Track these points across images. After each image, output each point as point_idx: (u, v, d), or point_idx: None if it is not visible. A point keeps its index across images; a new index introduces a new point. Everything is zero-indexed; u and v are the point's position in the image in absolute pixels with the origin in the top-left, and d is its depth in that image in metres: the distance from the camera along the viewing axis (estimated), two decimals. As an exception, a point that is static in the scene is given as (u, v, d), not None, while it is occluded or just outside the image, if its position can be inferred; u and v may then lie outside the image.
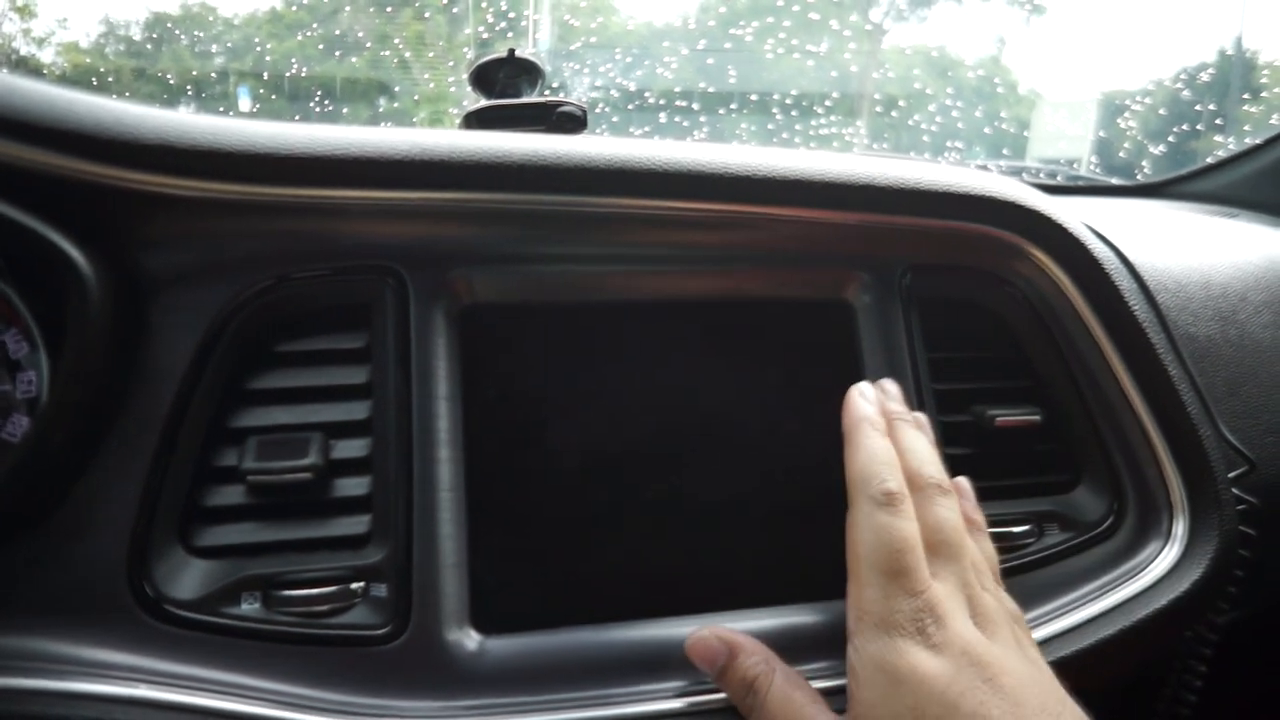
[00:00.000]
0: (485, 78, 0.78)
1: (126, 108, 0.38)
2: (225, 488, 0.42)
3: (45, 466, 0.38)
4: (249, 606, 0.40)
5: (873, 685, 0.35)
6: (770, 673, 0.39)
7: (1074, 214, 0.53)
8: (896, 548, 0.36)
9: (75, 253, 0.37)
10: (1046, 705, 0.35)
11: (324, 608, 0.41)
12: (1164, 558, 0.51)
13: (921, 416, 0.46)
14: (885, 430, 0.42)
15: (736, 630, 0.41)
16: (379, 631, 0.41)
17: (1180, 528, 0.51)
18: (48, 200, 0.36)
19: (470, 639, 0.42)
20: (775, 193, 0.47)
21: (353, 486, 0.42)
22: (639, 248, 0.47)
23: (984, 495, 0.50)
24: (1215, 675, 0.57)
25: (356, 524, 0.42)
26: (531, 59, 0.77)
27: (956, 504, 0.40)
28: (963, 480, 0.46)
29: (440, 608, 0.41)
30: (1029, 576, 0.50)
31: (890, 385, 0.46)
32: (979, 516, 0.45)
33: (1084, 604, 0.49)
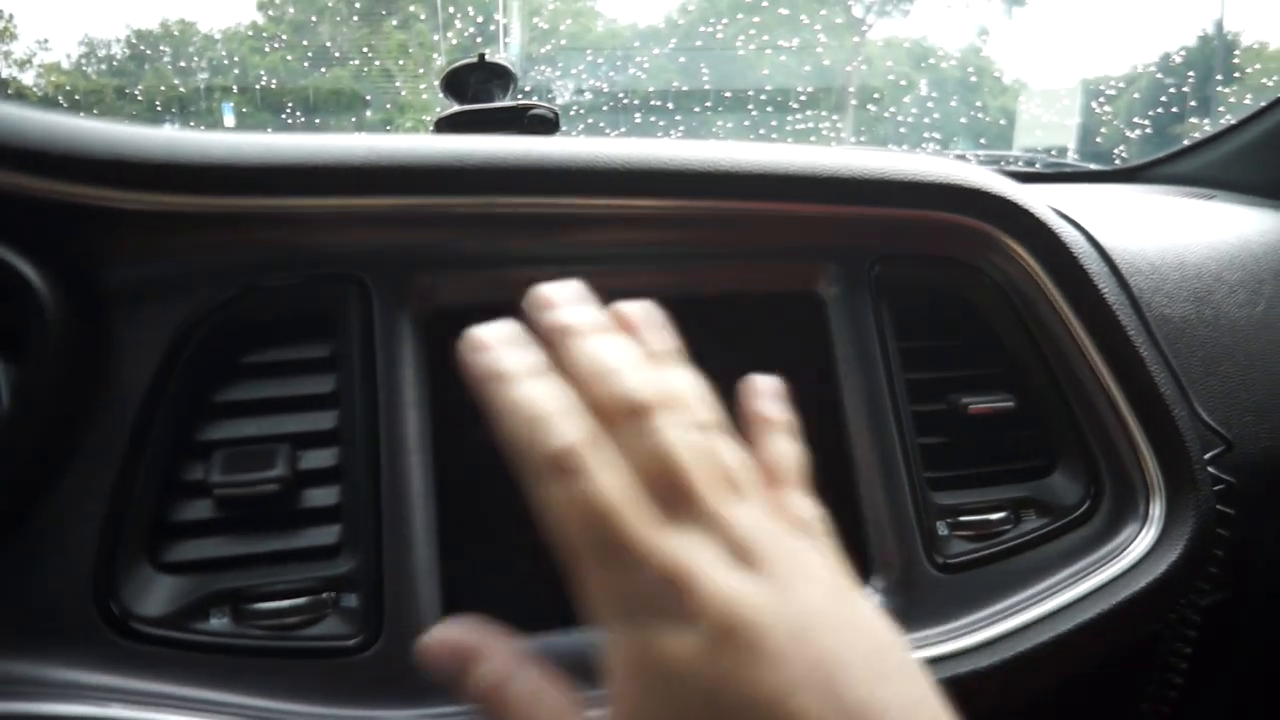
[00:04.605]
0: (457, 83, 0.77)
1: (78, 122, 0.38)
2: (192, 502, 0.41)
3: (7, 481, 0.37)
4: (218, 621, 0.40)
5: (625, 680, 0.29)
6: (509, 679, 0.32)
7: (1042, 199, 0.53)
8: (593, 518, 0.28)
9: (30, 270, 0.36)
10: (828, 651, 0.28)
11: (295, 620, 0.40)
12: (1141, 540, 0.51)
13: (631, 309, 0.36)
14: (529, 372, 0.31)
15: (478, 630, 0.34)
16: (351, 642, 0.40)
17: (1157, 509, 0.51)
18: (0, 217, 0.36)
19: (445, 646, 0.41)
20: (740, 187, 0.46)
21: (322, 497, 0.42)
22: (606, 247, 0.47)
23: (960, 483, 0.50)
24: (1202, 657, 0.57)
25: (326, 534, 0.42)
26: (503, 63, 0.77)
27: (670, 419, 0.30)
28: (758, 377, 0.39)
29: (413, 616, 0.41)
30: (1006, 563, 0.49)
31: (550, 290, 0.35)
32: (778, 412, 0.37)
33: (1062, 589, 0.49)
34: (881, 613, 0.31)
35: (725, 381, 0.47)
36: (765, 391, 0.38)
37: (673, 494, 0.29)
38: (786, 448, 0.36)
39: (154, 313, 0.41)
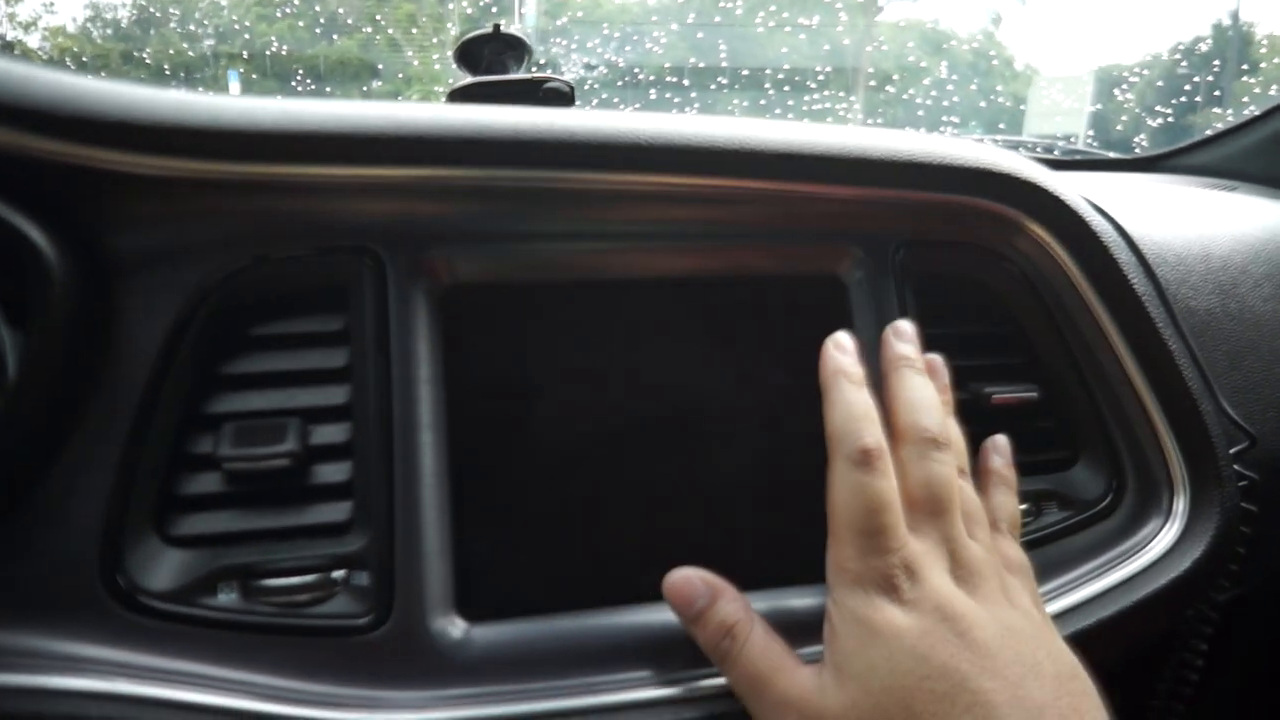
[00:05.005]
0: (471, 54, 0.76)
1: (87, 83, 0.36)
2: (201, 475, 0.40)
3: (13, 452, 0.36)
4: (226, 597, 0.39)
5: (850, 636, 0.36)
6: (750, 621, 0.39)
7: (1072, 187, 0.52)
8: (871, 507, 0.36)
9: (36, 234, 0.35)
10: (1022, 656, 0.35)
11: (304, 597, 0.40)
12: (1164, 535, 0.50)
13: (936, 359, 0.45)
14: (863, 381, 0.40)
15: (718, 578, 0.41)
16: (361, 621, 0.40)
17: (1181, 505, 0.51)
18: (4, 179, 0.35)
19: (455, 627, 0.41)
20: (766, 166, 0.45)
21: (332, 473, 0.41)
22: (625, 224, 0.46)
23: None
24: (1216, 653, 0.56)
25: (337, 511, 0.41)
26: (518, 35, 0.76)
27: (950, 457, 0.39)
28: (1000, 437, 0.47)
29: (424, 595, 0.40)
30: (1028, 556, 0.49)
31: (905, 326, 0.45)
32: (1009, 473, 0.46)
33: (1083, 583, 0.48)
34: (1070, 645, 0.38)
35: (745, 364, 0.47)
36: (1000, 451, 0.46)
37: (928, 512, 0.38)
38: (1007, 501, 0.44)
39: (163, 281, 0.40)
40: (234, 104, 0.39)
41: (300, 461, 0.40)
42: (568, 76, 0.71)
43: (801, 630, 0.41)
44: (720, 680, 0.41)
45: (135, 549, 0.39)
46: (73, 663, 0.37)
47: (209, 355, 0.41)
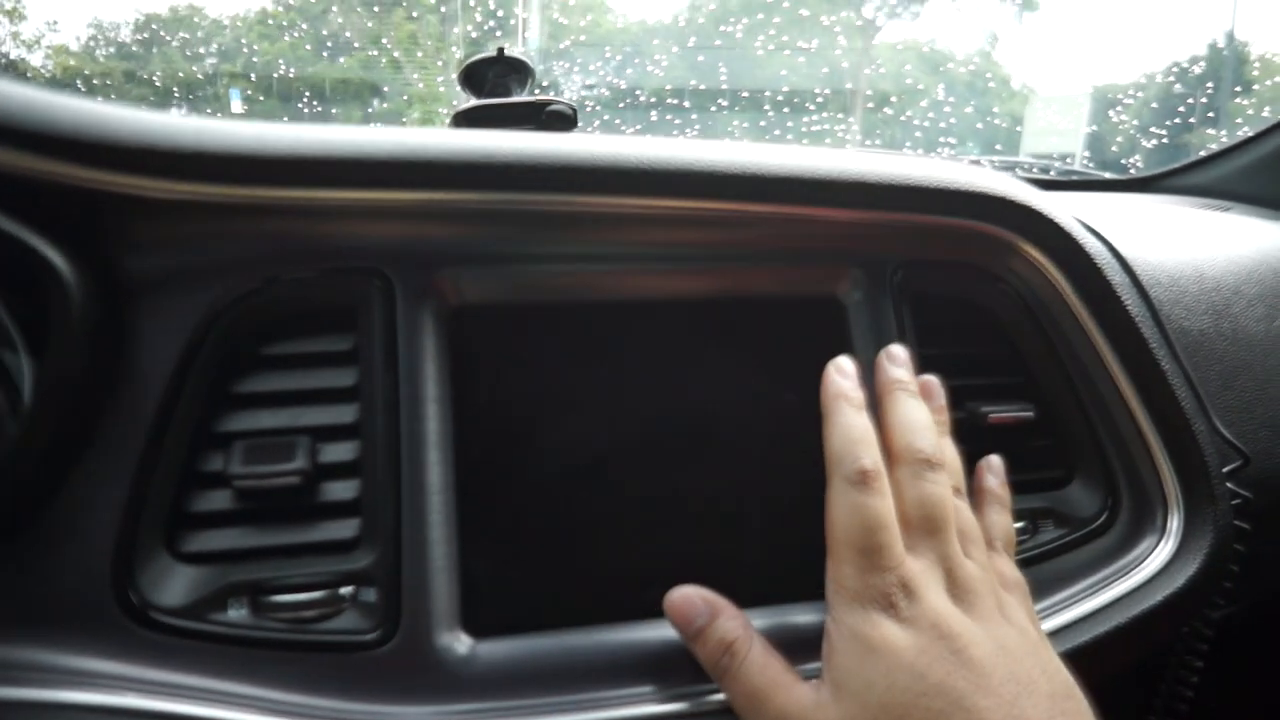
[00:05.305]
0: (475, 77, 0.77)
1: (108, 110, 0.37)
2: (212, 493, 0.41)
3: (29, 471, 0.37)
4: (236, 613, 0.40)
5: (848, 653, 0.37)
6: (749, 638, 0.40)
7: (1066, 209, 0.53)
8: (869, 526, 0.37)
9: (56, 257, 0.36)
10: (1017, 675, 0.35)
11: (312, 613, 0.40)
12: (1159, 553, 0.51)
13: (931, 380, 0.46)
14: (862, 404, 0.42)
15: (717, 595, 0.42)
16: (368, 636, 0.40)
17: (1175, 523, 0.51)
18: (28, 204, 0.36)
19: (461, 643, 0.41)
20: (765, 190, 0.46)
21: (341, 490, 0.42)
22: (628, 246, 0.47)
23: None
24: (1211, 670, 0.57)
25: (345, 528, 0.42)
26: (521, 58, 0.77)
27: (944, 477, 0.40)
28: (994, 457, 0.48)
29: (430, 612, 0.41)
30: (1023, 574, 0.49)
31: (898, 350, 0.46)
32: (1004, 492, 0.47)
33: (1078, 601, 0.49)
34: (1065, 663, 0.39)
35: (745, 384, 0.47)
36: (995, 470, 0.48)
37: (924, 531, 0.39)
38: (1002, 519, 0.46)
39: (177, 302, 0.41)
40: (248, 130, 0.40)
41: (309, 479, 0.41)
42: (569, 97, 0.72)
43: (802, 647, 0.42)
44: (722, 696, 0.41)
45: (147, 565, 0.39)
46: (83, 677, 0.37)
47: (220, 375, 0.42)
